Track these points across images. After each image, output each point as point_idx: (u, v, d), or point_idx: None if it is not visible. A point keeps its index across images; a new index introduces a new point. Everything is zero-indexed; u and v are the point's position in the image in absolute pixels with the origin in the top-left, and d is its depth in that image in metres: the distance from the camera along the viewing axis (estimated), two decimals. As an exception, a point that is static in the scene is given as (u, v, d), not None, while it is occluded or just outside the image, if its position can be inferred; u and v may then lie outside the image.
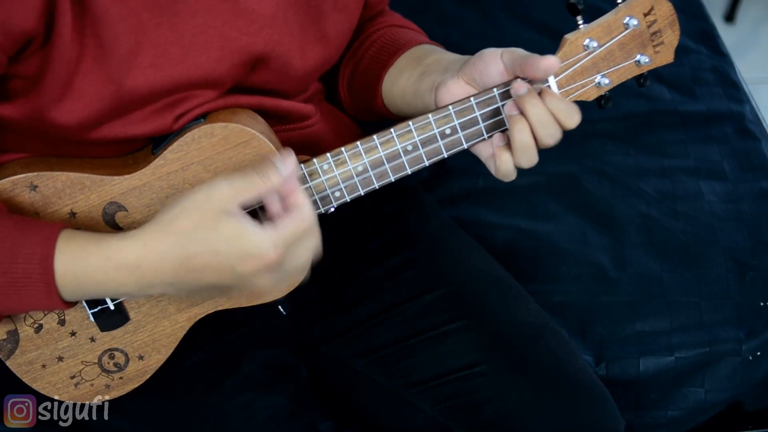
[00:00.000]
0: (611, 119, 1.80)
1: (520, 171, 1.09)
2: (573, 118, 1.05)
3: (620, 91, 1.83)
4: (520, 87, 1.03)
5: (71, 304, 1.00)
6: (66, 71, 0.95)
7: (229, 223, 0.94)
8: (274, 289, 0.99)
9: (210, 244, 0.94)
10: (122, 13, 0.95)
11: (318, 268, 1.11)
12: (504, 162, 1.07)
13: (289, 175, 0.97)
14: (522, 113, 1.04)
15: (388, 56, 1.23)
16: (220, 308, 1.14)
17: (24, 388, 1.14)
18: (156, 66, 0.98)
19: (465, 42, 1.93)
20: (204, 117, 1.05)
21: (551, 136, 1.04)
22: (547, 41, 1.92)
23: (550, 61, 1.01)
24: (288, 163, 0.97)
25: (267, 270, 0.95)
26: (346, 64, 1.30)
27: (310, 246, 0.99)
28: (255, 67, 1.07)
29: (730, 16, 3.06)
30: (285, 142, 1.11)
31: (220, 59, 1.02)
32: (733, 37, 2.91)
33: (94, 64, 0.96)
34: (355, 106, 1.31)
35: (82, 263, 0.96)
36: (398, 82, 1.21)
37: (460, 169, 1.68)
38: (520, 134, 1.04)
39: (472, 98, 1.05)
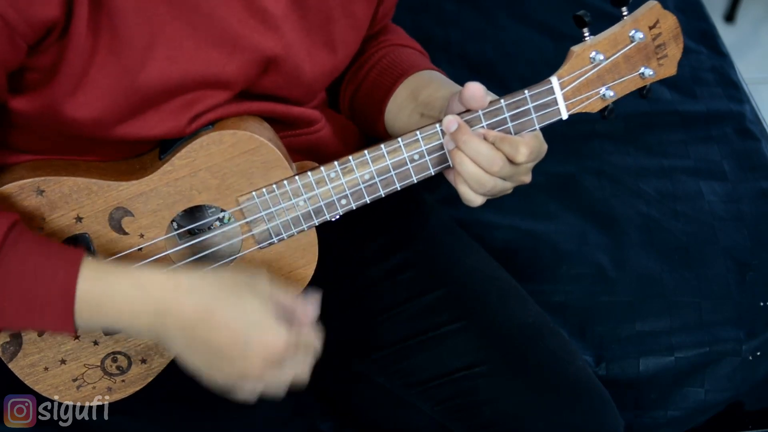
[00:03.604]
0: (611, 119, 1.79)
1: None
2: (520, 152, 1.04)
3: (620, 91, 1.84)
4: (450, 123, 1.04)
5: (77, 332, 1.00)
6: (80, 63, 0.95)
7: (261, 304, 0.97)
8: (256, 385, 1.01)
9: (237, 309, 0.97)
10: (138, 7, 0.95)
11: (318, 267, 1.12)
12: (463, 192, 1.08)
13: (310, 309, 1.02)
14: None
15: (389, 83, 1.23)
16: None
17: (24, 388, 1.14)
18: (170, 59, 0.98)
19: (465, 42, 1.93)
20: (212, 124, 1.05)
21: (495, 164, 1.04)
22: (547, 41, 1.93)
23: (470, 89, 1.03)
24: (313, 303, 1.03)
25: (270, 363, 0.97)
26: (347, 86, 1.30)
27: (302, 367, 1.02)
28: (267, 70, 1.07)
29: (730, 16, 3.06)
30: (290, 148, 1.11)
31: (231, 55, 1.02)
32: (733, 37, 2.91)
33: (108, 56, 0.96)
34: (358, 126, 1.31)
35: (107, 287, 0.97)
36: (399, 118, 1.21)
37: (461, 169, 1.68)
38: (461, 167, 1.05)
39: (480, 111, 1.05)
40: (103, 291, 0.97)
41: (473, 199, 1.07)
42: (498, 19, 2.00)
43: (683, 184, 1.69)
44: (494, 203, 1.61)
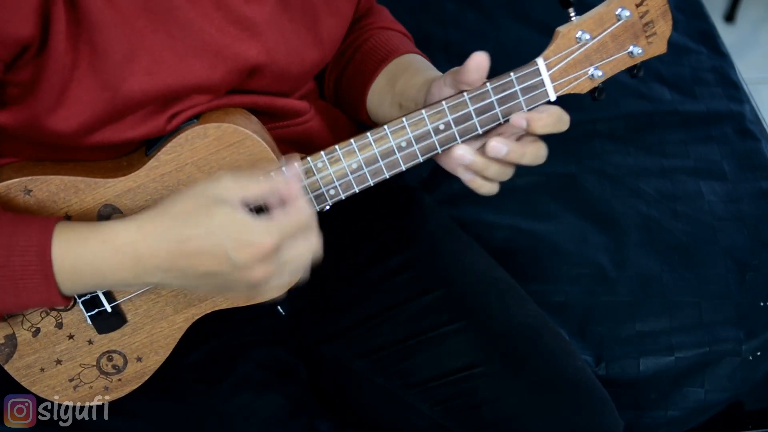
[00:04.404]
0: (611, 119, 1.80)
1: (520, 170, 1.09)
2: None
3: (621, 91, 1.85)
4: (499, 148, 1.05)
5: (68, 300, 1.00)
6: (60, 79, 0.95)
7: (225, 209, 0.94)
8: (270, 283, 0.99)
9: (205, 228, 0.94)
10: (117, 20, 0.95)
11: (317, 268, 1.11)
12: (481, 186, 1.09)
13: (292, 178, 0.99)
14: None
15: (370, 70, 1.24)
16: (217, 308, 1.14)
17: (24, 388, 1.14)
18: (151, 73, 0.98)
19: (465, 42, 1.93)
20: (197, 118, 1.05)
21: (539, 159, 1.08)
22: (547, 41, 1.93)
23: (477, 57, 1.02)
24: (292, 167, 1.00)
25: (263, 259, 0.95)
26: (330, 73, 1.30)
27: (308, 242, 0.99)
28: (251, 75, 1.07)
29: (730, 16, 3.06)
30: (279, 140, 1.11)
31: (214, 66, 1.02)
32: (733, 37, 2.91)
33: (88, 71, 0.96)
34: (344, 113, 1.31)
35: (79, 249, 0.96)
36: (382, 108, 1.22)
37: (460, 169, 1.68)
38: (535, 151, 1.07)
39: (465, 93, 1.04)
40: (78, 255, 0.96)
41: (495, 189, 1.10)
42: (498, 19, 2.00)
43: (683, 184, 1.69)
44: (494, 203, 1.62)
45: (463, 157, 1.05)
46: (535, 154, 1.06)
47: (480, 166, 1.06)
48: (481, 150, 1.07)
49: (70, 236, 0.97)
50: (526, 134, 1.07)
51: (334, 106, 1.32)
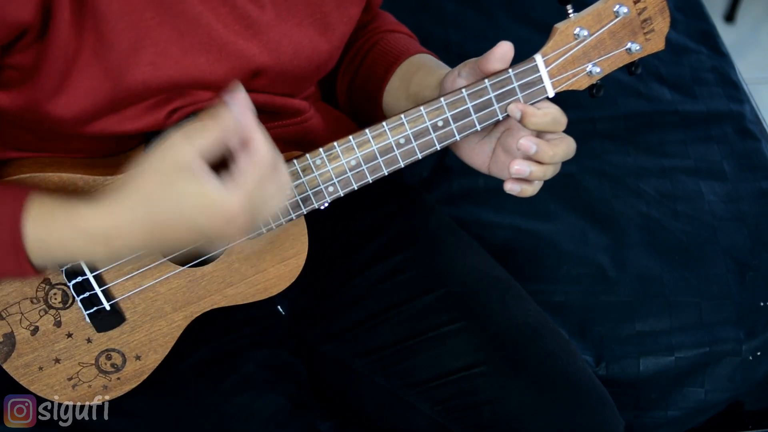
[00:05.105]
0: (611, 119, 1.79)
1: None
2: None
3: (620, 91, 1.84)
4: (529, 146, 1.07)
5: (40, 273, 0.99)
6: (63, 65, 0.95)
7: (188, 180, 0.92)
8: (249, 230, 0.98)
9: (171, 203, 0.92)
10: (125, 10, 0.94)
11: (317, 268, 1.11)
12: (528, 189, 1.13)
13: (241, 111, 0.94)
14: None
15: (381, 73, 1.24)
16: (216, 306, 1.14)
17: (24, 388, 1.14)
18: (155, 64, 0.98)
19: (465, 42, 1.93)
20: (196, 114, 1.04)
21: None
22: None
23: (503, 47, 1.04)
24: (237, 97, 0.94)
25: (234, 221, 0.93)
26: (342, 77, 1.30)
27: (276, 187, 0.96)
28: (254, 76, 1.07)
29: (730, 16, 3.06)
30: (278, 138, 1.11)
31: (218, 62, 1.02)
32: (733, 37, 2.91)
33: (92, 59, 0.95)
34: (357, 117, 1.31)
35: (52, 231, 0.96)
36: (397, 108, 1.22)
37: (460, 168, 1.68)
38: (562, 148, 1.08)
39: (463, 90, 1.04)
40: (49, 234, 0.96)
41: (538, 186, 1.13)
42: (498, 19, 2.00)
43: (683, 184, 1.69)
44: (494, 203, 1.62)
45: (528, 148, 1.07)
46: (565, 152, 1.08)
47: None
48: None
49: (44, 215, 0.96)
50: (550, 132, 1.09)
51: (350, 112, 1.31)
